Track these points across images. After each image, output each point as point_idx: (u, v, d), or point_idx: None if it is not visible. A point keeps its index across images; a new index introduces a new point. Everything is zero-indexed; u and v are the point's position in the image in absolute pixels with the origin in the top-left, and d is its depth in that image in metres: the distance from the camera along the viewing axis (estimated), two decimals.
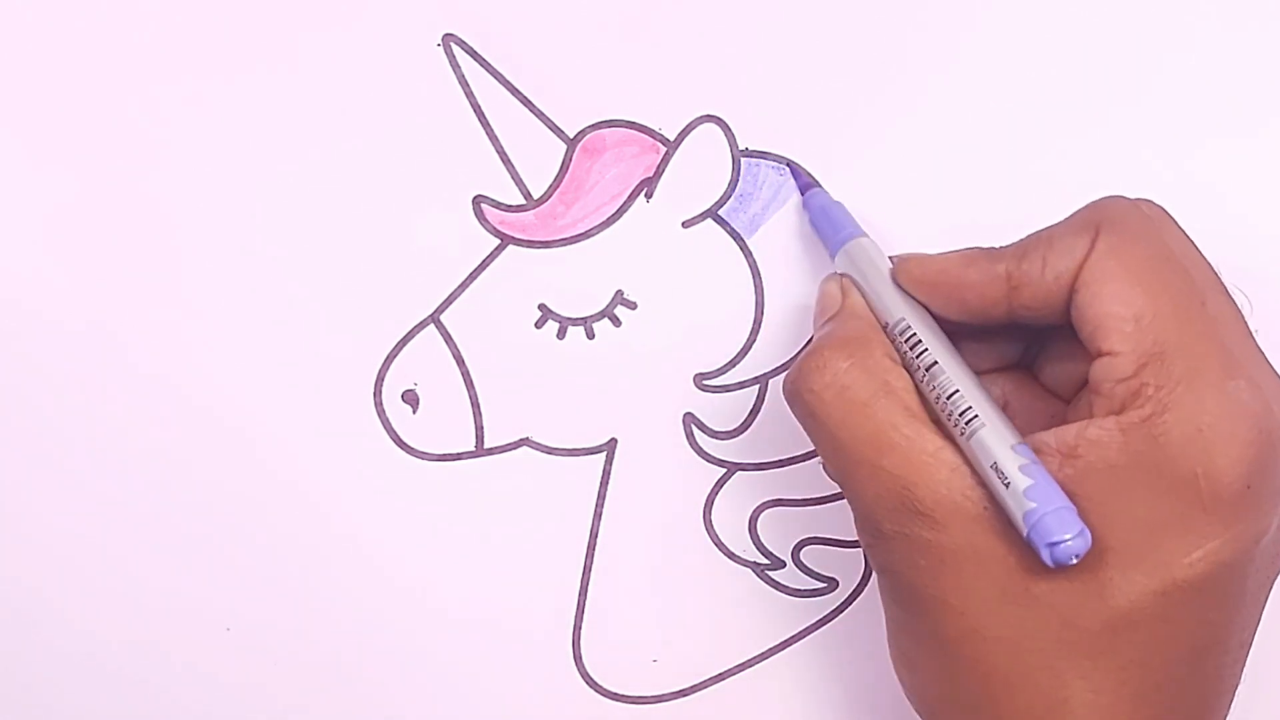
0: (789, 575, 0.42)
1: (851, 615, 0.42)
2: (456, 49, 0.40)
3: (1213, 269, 0.34)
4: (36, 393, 0.42)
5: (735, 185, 0.40)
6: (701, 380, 0.41)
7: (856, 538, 0.40)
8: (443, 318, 0.41)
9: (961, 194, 0.40)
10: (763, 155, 0.40)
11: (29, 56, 0.41)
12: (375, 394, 0.41)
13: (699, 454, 0.41)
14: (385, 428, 0.41)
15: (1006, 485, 0.31)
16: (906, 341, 0.35)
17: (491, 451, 0.41)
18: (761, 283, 0.41)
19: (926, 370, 0.34)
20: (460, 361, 0.41)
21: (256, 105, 0.41)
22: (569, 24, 0.40)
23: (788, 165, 0.40)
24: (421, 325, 0.41)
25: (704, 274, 0.41)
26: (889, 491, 0.33)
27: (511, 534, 0.42)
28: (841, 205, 0.39)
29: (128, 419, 0.42)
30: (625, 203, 0.41)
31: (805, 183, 0.40)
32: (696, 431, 0.41)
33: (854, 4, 0.40)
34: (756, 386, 0.41)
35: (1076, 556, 0.30)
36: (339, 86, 0.40)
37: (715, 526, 0.42)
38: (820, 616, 0.42)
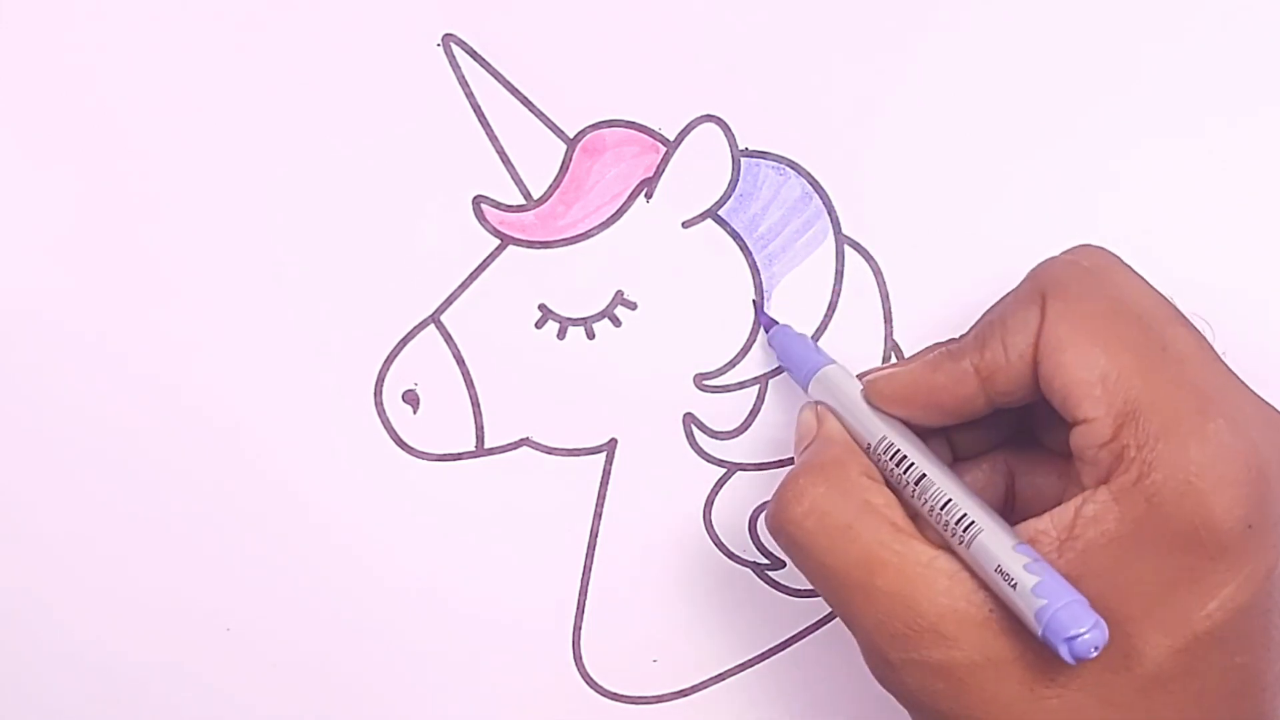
0: (789, 575, 0.42)
1: None
2: (456, 49, 0.40)
3: (1169, 305, 0.34)
4: (36, 393, 0.42)
5: (735, 185, 0.40)
6: (701, 380, 0.41)
7: None
8: (443, 318, 0.41)
9: (961, 194, 0.40)
10: (763, 155, 0.40)
11: (30, 59, 0.41)
12: (375, 394, 0.41)
13: (699, 454, 0.41)
14: (385, 428, 0.41)
15: (1014, 586, 0.31)
16: (892, 459, 0.35)
17: (491, 451, 0.41)
18: (761, 283, 0.41)
19: (915, 484, 0.34)
20: (460, 361, 0.41)
21: (256, 105, 0.41)
22: (569, 24, 0.40)
23: (754, 304, 0.40)
24: (421, 325, 0.41)
25: (704, 274, 0.41)
26: (888, 614, 0.32)
27: (511, 534, 0.42)
28: (805, 337, 0.40)
29: (127, 419, 0.42)
30: (625, 203, 0.41)
31: (767, 321, 0.40)
32: (696, 431, 0.41)
33: (854, 4, 0.40)
34: (756, 386, 0.41)
35: (1096, 649, 0.30)
36: (339, 86, 0.40)
37: (715, 526, 0.42)
38: (820, 616, 0.42)
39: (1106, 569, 0.31)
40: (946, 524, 0.33)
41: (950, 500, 0.33)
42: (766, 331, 0.40)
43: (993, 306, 0.35)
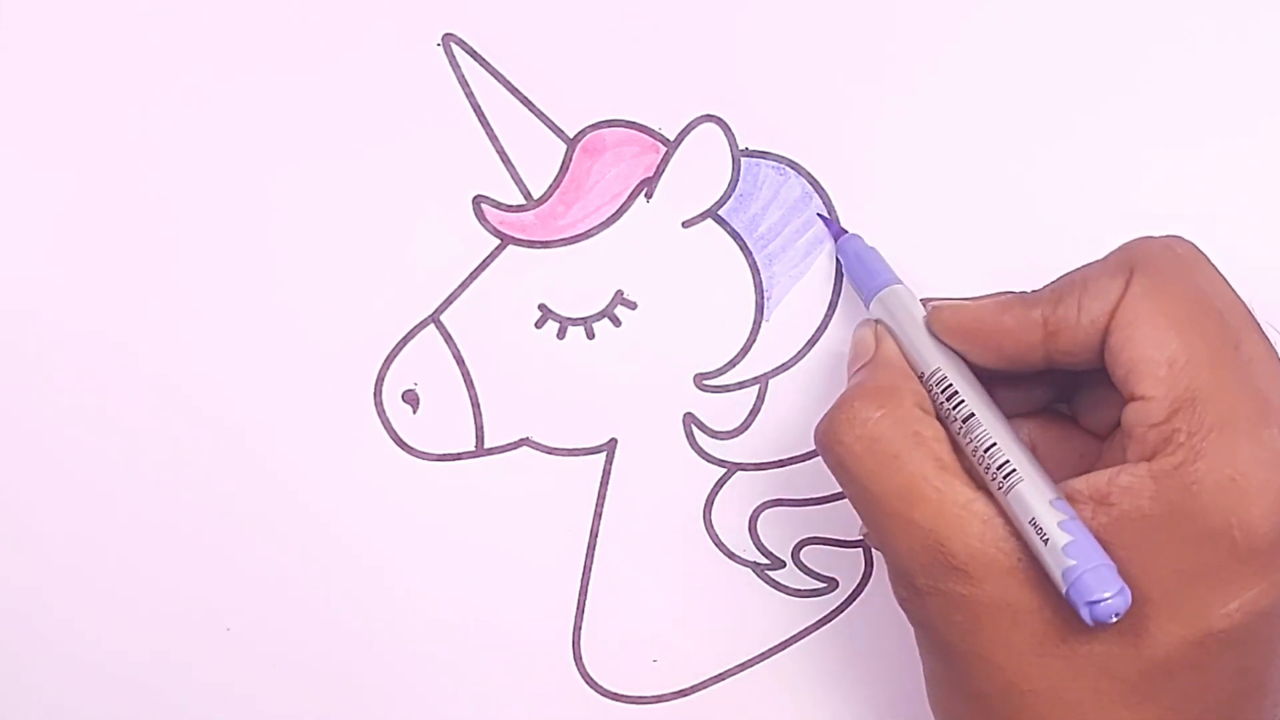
0: (789, 575, 0.42)
1: (851, 615, 0.42)
2: (456, 49, 0.40)
3: (1247, 309, 0.34)
4: (36, 392, 0.42)
5: (735, 185, 0.40)
6: (701, 380, 0.41)
7: (857, 538, 0.40)
8: (443, 318, 0.41)
9: (962, 194, 0.40)
10: (763, 155, 0.40)
11: (32, 60, 0.41)
12: (375, 394, 0.41)
13: (699, 454, 0.41)
14: (385, 428, 0.41)
15: (1045, 541, 0.31)
16: (944, 393, 0.35)
17: (491, 451, 0.41)
18: (761, 283, 0.41)
19: (963, 422, 0.34)
20: (460, 361, 0.41)
21: (256, 106, 0.41)
22: (569, 24, 0.40)
23: (819, 217, 0.40)
24: (421, 325, 0.41)
25: (704, 274, 0.41)
26: (921, 546, 0.32)
27: (511, 534, 0.42)
28: (876, 251, 0.39)
29: (128, 419, 0.41)
30: (625, 203, 0.41)
31: (838, 230, 0.40)
32: (696, 431, 0.41)
33: (854, 4, 0.40)
34: (756, 386, 0.41)
35: (1116, 615, 0.30)
36: (339, 86, 0.40)
37: (715, 526, 0.42)
38: (820, 616, 0.42)
39: (1133, 544, 0.31)
40: (988, 467, 0.33)
41: (994, 444, 0.33)
42: (836, 241, 0.40)
43: (1076, 269, 0.35)
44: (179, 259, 0.41)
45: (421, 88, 0.40)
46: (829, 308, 0.41)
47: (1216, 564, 0.31)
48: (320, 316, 0.41)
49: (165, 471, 0.42)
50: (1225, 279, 0.34)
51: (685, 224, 0.41)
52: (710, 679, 0.42)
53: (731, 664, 0.42)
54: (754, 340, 0.41)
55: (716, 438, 0.41)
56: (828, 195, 0.40)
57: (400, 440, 0.41)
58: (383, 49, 0.40)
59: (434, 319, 0.41)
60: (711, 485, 0.41)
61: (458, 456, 0.41)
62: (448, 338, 0.41)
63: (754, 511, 0.41)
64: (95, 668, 0.43)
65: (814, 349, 0.41)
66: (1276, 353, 0.33)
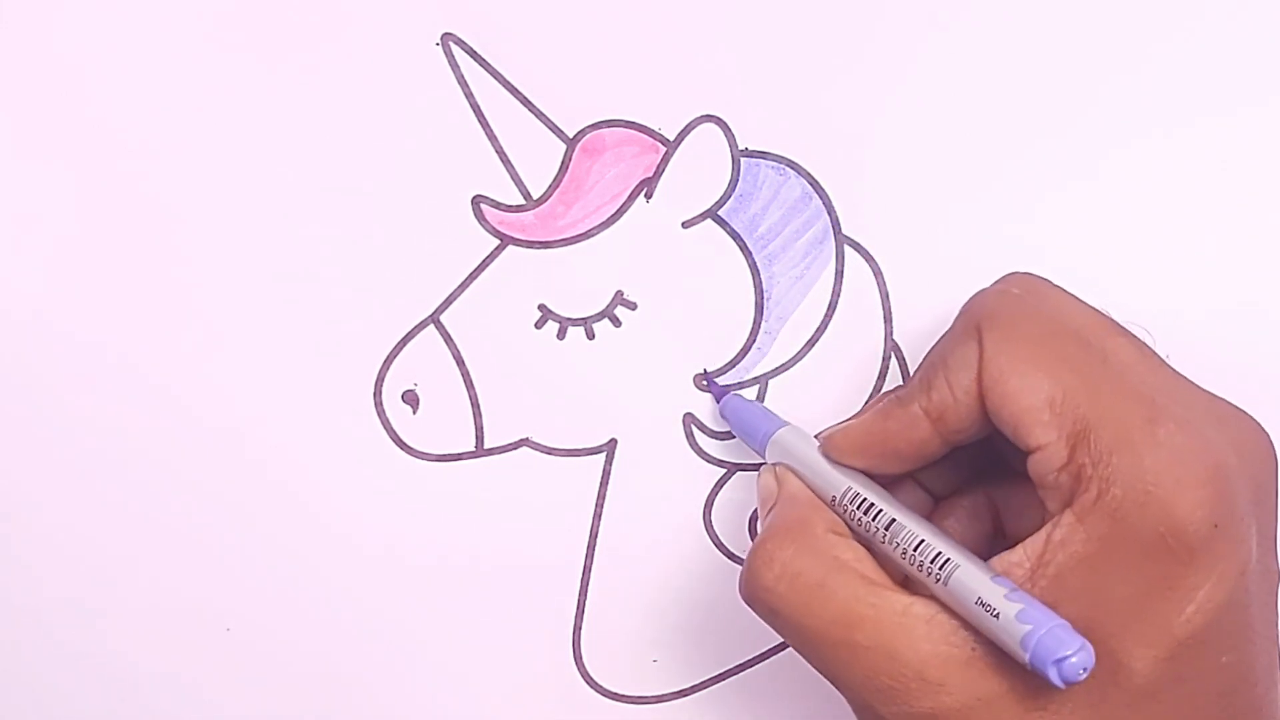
0: None
1: None
2: (456, 49, 0.40)
3: (1104, 317, 0.34)
4: (35, 394, 0.42)
5: (735, 185, 0.40)
6: (702, 380, 0.41)
7: None
8: (443, 318, 0.41)
9: (962, 194, 0.40)
10: (763, 155, 0.40)
11: (31, 62, 0.41)
12: (375, 394, 0.41)
13: (699, 454, 0.41)
14: (385, 428, 0.41)
15: (996, 617, 0.31)
16: (859, 508, 0.35)
17: (491, 451, 0.41)
18: (761, 283, 0.41)
19: (885, 529, 0.34)
20: (460, 361, 0.41)
21: (255, 106, 0.41)
22: (569, 24, 0.40)
23: (705, 378, 0.40)
24: (421, 325, 0.41)
25: (704, 274, 0.41)
26: (873, 668, 0.32)
27: (511, 534, 0.42)
28: (756, 403, 0.40)
29: (127, 420, 0.42)
30: (625, 203, 0.41)
31: (718, 390, 0.40)
32: (696, 431, 0.41)
33: (854, 4, 0.40)
34: (756, 387, 0.41)
35: (1084, 670, 0.30)
36: (338, 86, 0.40)
37: (715, 526, 0.42)
38: None
39: (1081, 590, 0.31)
40: (921, 564, 0.33)
41: (923, 541, 0.33)
42: (717, 401, 0.40)
43: (932, 347, 0.35)
44: (178, 259, 0.41)
45: (421, 88, 0.40)
46: (829, 308, 0.41)
47: (1162, 577, 0.31)
48: (320, 316, 0.41)
49: (165, 472, 0.42)
50: (1073, 296, 0.34)
51: (685, 224, 0.41)
52: (710, 679, 0.42)
53: (731, 664, 0.42)
54: (754, 340, 0.41)
55: (716, 438, 0.41)
56: (828, 195, 0.40)
57: (400, 441, 0.41)
58: (382, 49, 0.40)
59: (434, 319, 0.41)
60: (711, 485, 0.41)
61: (458, 457, 0.41)
62: (447, 338, 0.41)
63: (754, 512, 0.41)
64: (96, 668, 0.43)
65: (814, 349, 0.41)
66: (1148, 349, 0.33)
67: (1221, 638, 0.31)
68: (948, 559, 0.32)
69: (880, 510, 0.34)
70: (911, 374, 0.35)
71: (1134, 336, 0.33)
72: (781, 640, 0.42)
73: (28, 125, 0.41)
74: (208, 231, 0.41)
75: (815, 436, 0.37)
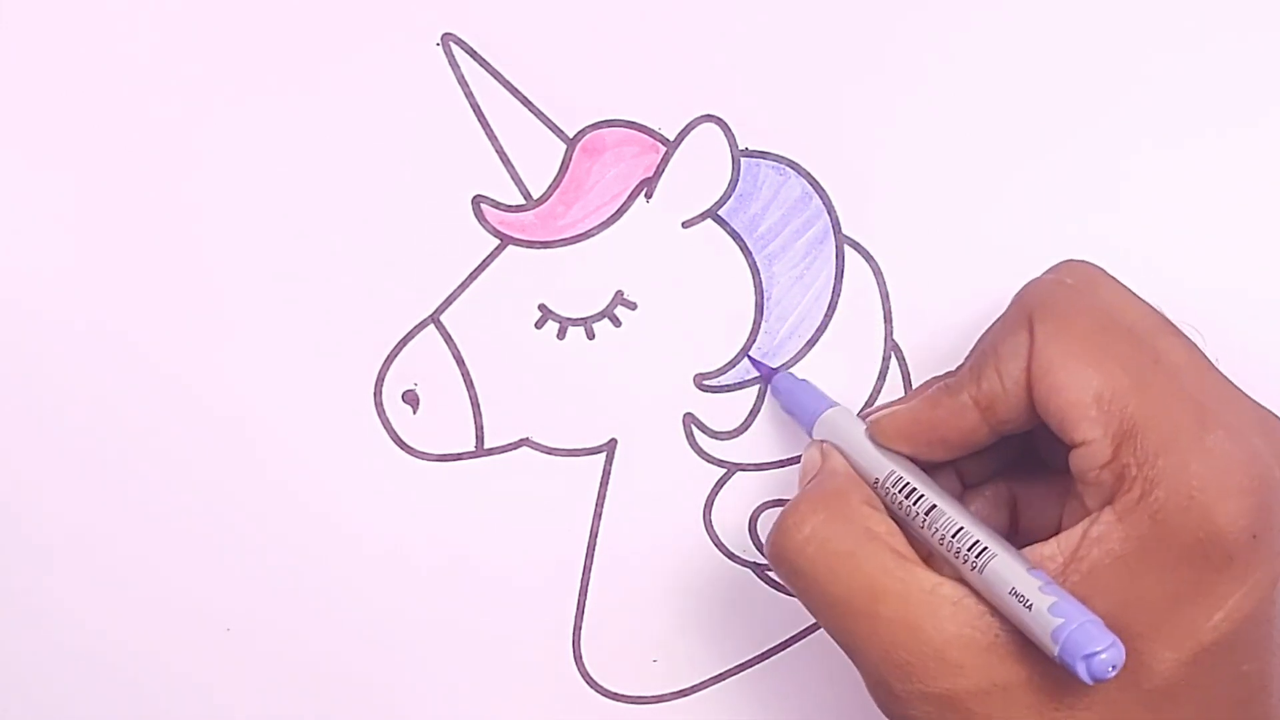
0: None
1: None
2: (456, 49, 0.40)
3: (1159, 315, 0.33)
4: (35, 391, 0.42)
5: (735, 185, 0.40)
6: (701, 380, 0.41)
7: None
8: (443, 318, 0.41)
9: (962, 194, 0.40)
10: (763, 155, 0.40)
11: (33, 62, 0.41)
12: (375, 394, 0.41)
13: (699, 454, 0.41)
14: (385, 428, 0.41)
15: (1029, 607, 0.31)
16: (902, 492, 0.35)
17: (491, 452, 0.41)
18: (761, 283, 0.41)
19: (925, 515, 0.34)
20: (460, 361, 0.41)
21: (256, 105, 0.41)
22: (569, 24, 0.40)
23: (748, 358, 0.40)
24: (421, 325, 0.41)
25: (704, 274, 0.41)
26: (893, 643, 0.32)
27: (511, 534, 0.42)
28: (808, 382, 0.40)
29: (127, 418, 0.42)
30: (625, 203, 0.41)
31: (767, 371, 0.40)
32: (696, 431, 0.41)
33: (854, 4, 0.40)
34: (756, 386, 0.41)
35: (1114, 668, 0.30)
36: (338, 86, 0.40)
37: (715, 526, 0.42)
38: None
39: (1112, 588, 0.31)
40: (958, 551, 0.33)
41: (962, 528, 0.33)
42: (768, 382, 0.40)
43: (984, 334, 0.35)
44: (178, 259, 0.41)
45: (421, 88, 0.40)
46: (829, 308, 0.41)
47: (1195, 581, 0.31)
48: (320, 316, 0.41)
49: (165, 471, 0.42)
50: (1129, 290, 0.34)
51: (685, 224, 0.41)
52: (710, 679, 0.42)
53: (731, 664, 0.42)
54: (754, 340, 0.41)
55: (716, 438, 0.41)
56: (828, 195, 0.40)
57: (400, 440, 0.41)
58: (382, 49, 0.40)
59: (434, 319, 0.41)
60: (711, 485, 0.41)
61: (458, 457, 0.41)
62: (448, 338, 0.41)
63: (754, 512, 0.41)
64: (95, 667, 0.43)
65: (814, 349, 0.41)
66: (1200, 352, 0.33)
67: (1245, 646, 0.31)
68: (985, 547, 0.32)
69: (922, 495, 0.34)
70: (961, 361, 0.35)
71: (1185, 337, 0.33)
72: (782, 640, 0.42)
73: (28, 125, 0.41)
74: (207, 231, 0.41)
75: (862, 418, 0.37)
